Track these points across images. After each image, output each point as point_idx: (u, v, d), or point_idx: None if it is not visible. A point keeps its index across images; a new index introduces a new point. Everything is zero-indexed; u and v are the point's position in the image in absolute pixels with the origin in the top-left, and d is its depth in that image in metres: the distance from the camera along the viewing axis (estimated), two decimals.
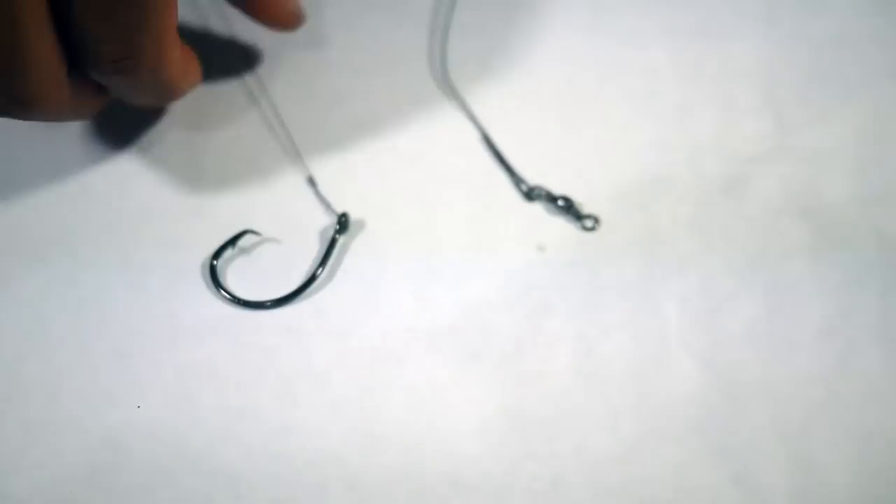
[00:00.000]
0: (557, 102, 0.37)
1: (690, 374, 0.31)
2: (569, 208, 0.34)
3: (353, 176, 0.35)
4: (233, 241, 0.34)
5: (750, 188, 0.34)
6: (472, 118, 0.36)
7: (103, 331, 0.32)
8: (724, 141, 0.35)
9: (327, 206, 0.34)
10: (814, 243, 0.33)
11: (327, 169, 0.35)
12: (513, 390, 0.31)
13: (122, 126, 0.36)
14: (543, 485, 0.29)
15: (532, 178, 0.35)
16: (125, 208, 0.35)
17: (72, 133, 0.36)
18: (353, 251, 0.34)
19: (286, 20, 0.35)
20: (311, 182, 0.35)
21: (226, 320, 0.32)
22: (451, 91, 0.37)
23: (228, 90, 0.37)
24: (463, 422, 0.30)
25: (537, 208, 0.34)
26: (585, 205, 0.34)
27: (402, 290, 0.33)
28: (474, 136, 0.36)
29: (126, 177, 0.35)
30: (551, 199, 0.34)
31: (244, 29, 0.38)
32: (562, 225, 0.34)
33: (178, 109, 0.36)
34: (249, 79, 0.37)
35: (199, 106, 0.36)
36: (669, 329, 0.32)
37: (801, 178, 0.35)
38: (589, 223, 0.34)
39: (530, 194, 0.35)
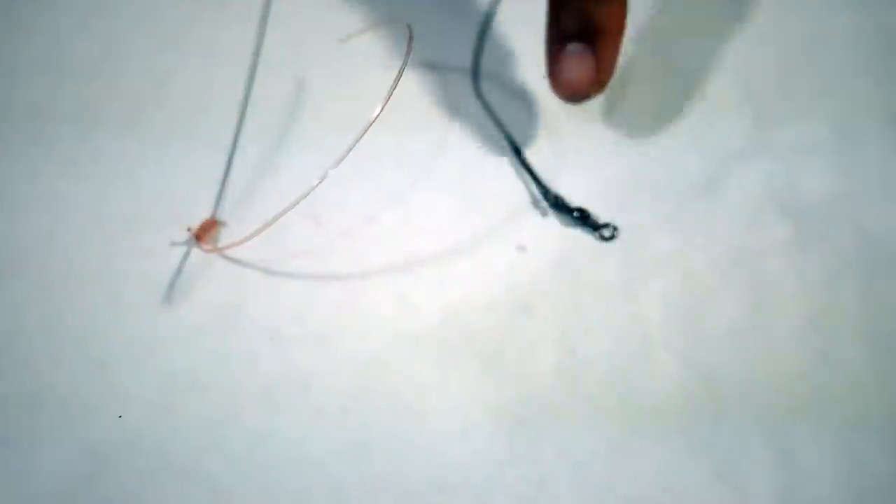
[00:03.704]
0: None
1: (673, 373, 0.31)
2: (586, 219, 0.34)
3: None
4: None
5: (729, 185, 0.34)
6: (499, 124, 0.36)
7: (82, 340, 0.32)
8: (703, 138, 0.36)
9: None
10: (793, 239, 0.33)
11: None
12: (496, 392, 0.31)
13: (96, 138, 0.36)
14: (528, 487, 0.29)
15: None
16: (102, 217, 0.34)
17: (48, 141, 0.36)
18: (333, 255, 0.34)
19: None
20: None
21: (207, 328, 0.32)
22: (482, 100, 0.37)
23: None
24: (447, 426, 0.30)
25: (516, 209, 0.34)
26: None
27: (383, 293, 0.33)
28: (459, 138, 0.36)
29: (102, 185, 0.35)
30: (568, 209, 0.34)
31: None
32: (542, 225, 0.34)
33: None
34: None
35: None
36: (651, 327, 0.32)
37: (781, 174, 0.35)
38: (608, 232, 0.34)
39: (556, 203, 0.34)
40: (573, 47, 0.32)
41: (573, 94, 0.33)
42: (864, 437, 0.30)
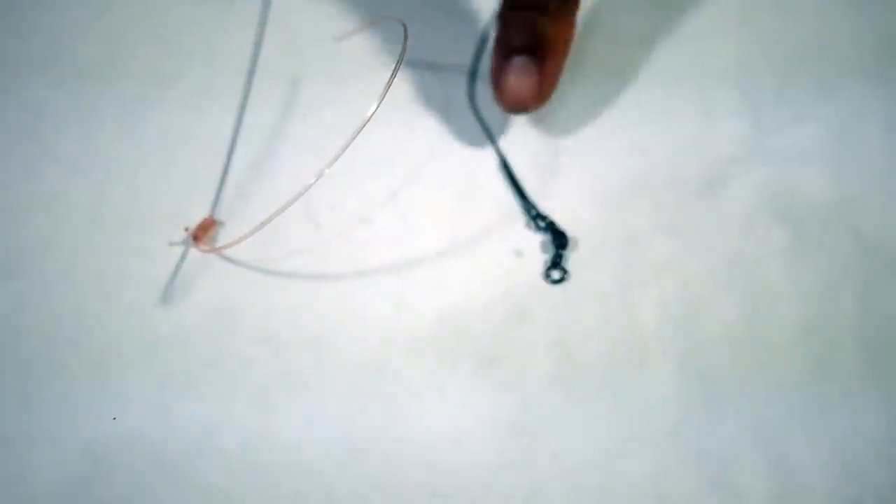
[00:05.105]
0: None
1: (668, 379, 0.31)
2: (563, 247, 0.34)
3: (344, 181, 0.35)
4: None
5: (728, 190, 0.34)
6: (492, 140, 0.36)
7: (79, 340, 0.32)
8: (701, 143, 0.35)
9: None
10: (791, 245, 0.33)
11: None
12: (491, 398, 0.31)
13: (95, 138, 0.36)
14: (522, 493, 0.29)
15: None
16: (100, 217, 0.34)
17: (48, 140, 0.36)
18: (330, 255, 0.34)
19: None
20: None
21: (203, 328, 0.32)
22: (476, 113, 0.37)
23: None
24: (441, 431, 0.30)
25: (514, 212, 0.34)
26: (563, 209, 0.34)
27: (379, 294, 0.33)
28: (453, 144, 0.36)
29: (100, 185, 0.35)
30: (554, 231, 0.34)
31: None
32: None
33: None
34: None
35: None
36: (647, 334, 0.32)
37: (779, 179, 0.34)
38: (557, 275, 0.33)
39: (537, 221, 0.34)
40: (518, 60, 0.34)
41: (516, 104, 0.34)
42: (859, 447, 0.30)
